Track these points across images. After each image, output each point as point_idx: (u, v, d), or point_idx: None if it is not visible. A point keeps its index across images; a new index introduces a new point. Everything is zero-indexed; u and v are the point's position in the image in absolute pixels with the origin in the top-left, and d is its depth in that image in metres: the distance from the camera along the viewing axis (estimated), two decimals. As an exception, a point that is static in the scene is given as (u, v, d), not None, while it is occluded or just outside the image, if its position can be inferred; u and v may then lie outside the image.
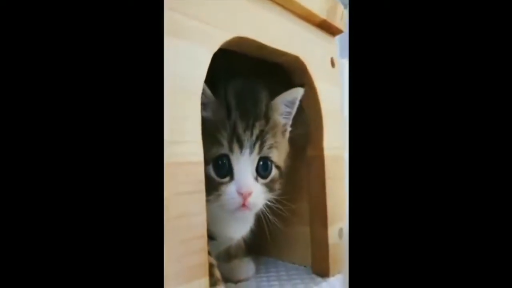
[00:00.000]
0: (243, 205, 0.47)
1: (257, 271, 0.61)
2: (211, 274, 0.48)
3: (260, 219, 0.53)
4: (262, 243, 0.53)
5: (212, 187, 0.47)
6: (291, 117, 0.55)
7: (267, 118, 0.50)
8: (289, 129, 0.56)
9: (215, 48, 0.38)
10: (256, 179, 0.49)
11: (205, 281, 0.37)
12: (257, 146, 0.48)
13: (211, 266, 0.49)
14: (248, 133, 0.48)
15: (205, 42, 0.37)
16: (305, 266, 0.62)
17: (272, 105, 0.52)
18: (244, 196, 0.47)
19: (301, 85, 0.53)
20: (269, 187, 0.51)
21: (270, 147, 0.50)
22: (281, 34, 0.49)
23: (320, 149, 0.56)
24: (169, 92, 0.33)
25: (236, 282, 0.57)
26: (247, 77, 0.53)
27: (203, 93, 0.47)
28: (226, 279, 0.57)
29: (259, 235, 0.53)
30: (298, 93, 0.53)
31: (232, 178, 0.47)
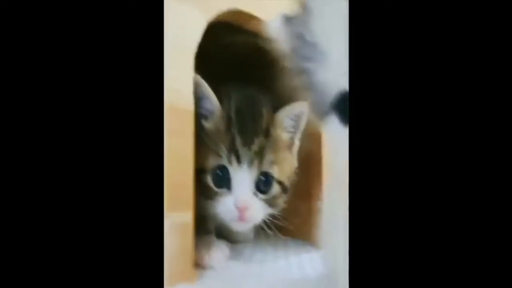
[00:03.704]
0: (241, 218, 0.48)
1: (257, 238, 0.64)
2: (205, 225, 0.54)
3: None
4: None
5: (209, 196, 0.49)
6: (299, 131, 0.54)
7: (267, 133, 0.50)
8: (297, 143, 0.55)
9: (210, 15, 0.43)
10: (256, 194, 0.49)
11: (189, 215, 0.41)
12: (256, 161, 0.48)
13: (206, 218, 0.55)
14: (246, 148, 0.48)
15: (201, 9, 0.42)
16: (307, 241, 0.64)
17: (274, 119, 0.51)
18: (240, 210, 0.47)
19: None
20: (270, 203, 0.51)
21: (271, 163, 0.49)
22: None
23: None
24: (167, 50, 0.39)
25: (233, 242, 0.61)
26: (250, 86, 0.54)
27: (209, 101, 0.48)
28: (224, 238, 0.61)
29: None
30: (302, 107, 0.50)
31: (229, 189, 0.48)
